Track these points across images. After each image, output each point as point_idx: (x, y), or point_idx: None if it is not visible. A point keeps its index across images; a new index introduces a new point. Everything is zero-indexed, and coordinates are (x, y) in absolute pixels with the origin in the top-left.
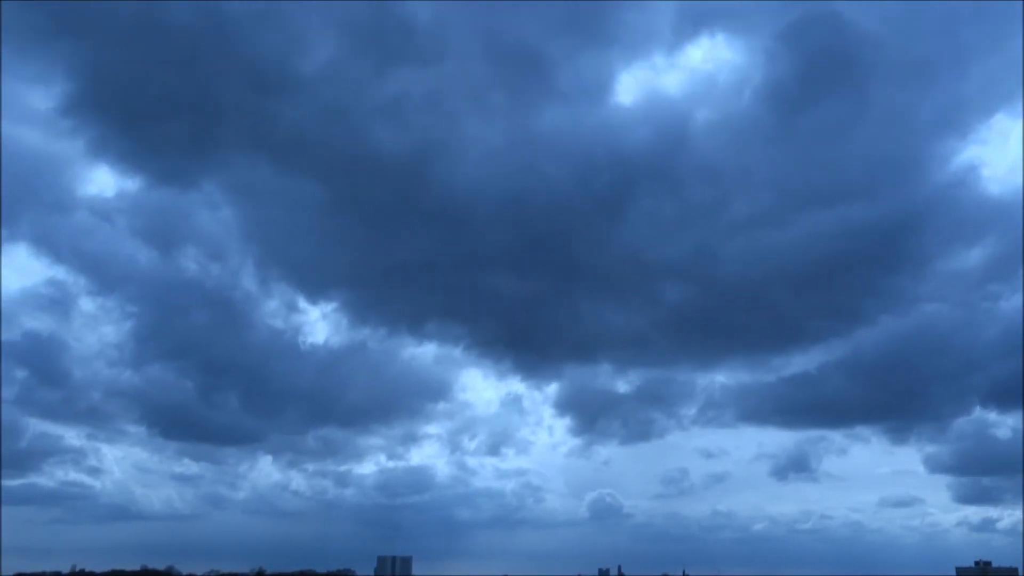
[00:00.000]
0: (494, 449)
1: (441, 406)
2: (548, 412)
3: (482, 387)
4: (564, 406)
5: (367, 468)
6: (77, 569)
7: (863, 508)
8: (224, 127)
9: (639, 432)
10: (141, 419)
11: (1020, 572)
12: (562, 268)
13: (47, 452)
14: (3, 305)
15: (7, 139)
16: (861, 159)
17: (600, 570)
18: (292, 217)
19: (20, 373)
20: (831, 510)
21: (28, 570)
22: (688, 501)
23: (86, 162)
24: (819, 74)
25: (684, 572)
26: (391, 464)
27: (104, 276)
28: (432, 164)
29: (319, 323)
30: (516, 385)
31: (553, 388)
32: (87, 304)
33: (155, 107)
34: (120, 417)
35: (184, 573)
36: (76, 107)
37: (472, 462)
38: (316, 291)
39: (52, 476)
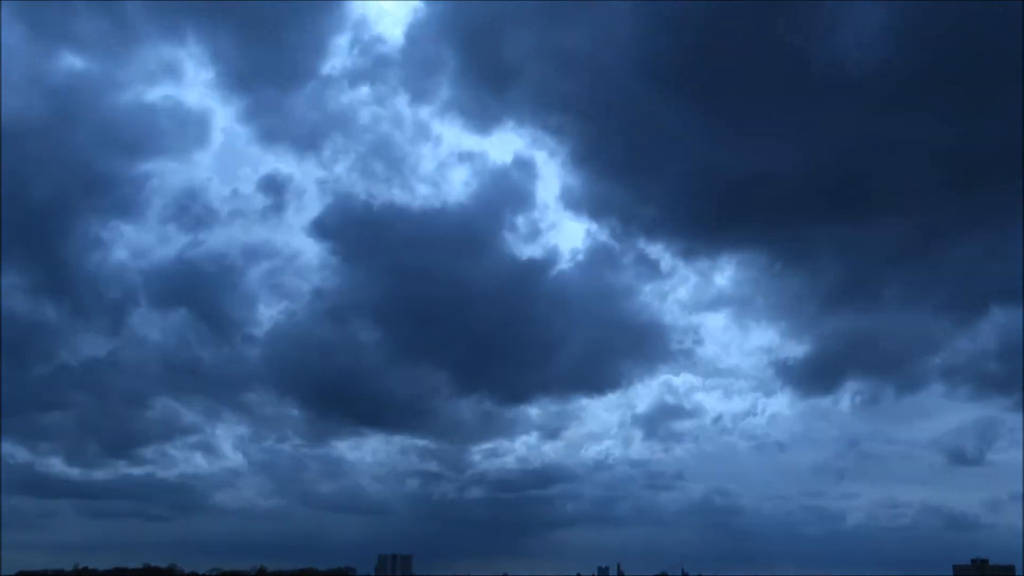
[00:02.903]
0: (666, 430)
1: (642, 369)
2: (780, 377)
3: (721, 340)
4: (807, 372)
5: (502, 454)
6: (80, 567)
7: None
8: None
9: (865, 409)
10: (294, 391)
11: (1017, 570)
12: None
13: (158, 435)
14: (190, 216)
15: None
16: None
17: (600, 568)
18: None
19: (173, 319)
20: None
21: (30, 567)
22: (811, 493)
23: None
24: None
25: (684, 571)
26: (536, 444)
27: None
28: None
29: (582, 248)
30: (769, 338)
31: (804, 350)
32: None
33: None
34: (268, 390)
35: (186, 571)
36: None
37: (624, 447)
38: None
39: (151, 464)
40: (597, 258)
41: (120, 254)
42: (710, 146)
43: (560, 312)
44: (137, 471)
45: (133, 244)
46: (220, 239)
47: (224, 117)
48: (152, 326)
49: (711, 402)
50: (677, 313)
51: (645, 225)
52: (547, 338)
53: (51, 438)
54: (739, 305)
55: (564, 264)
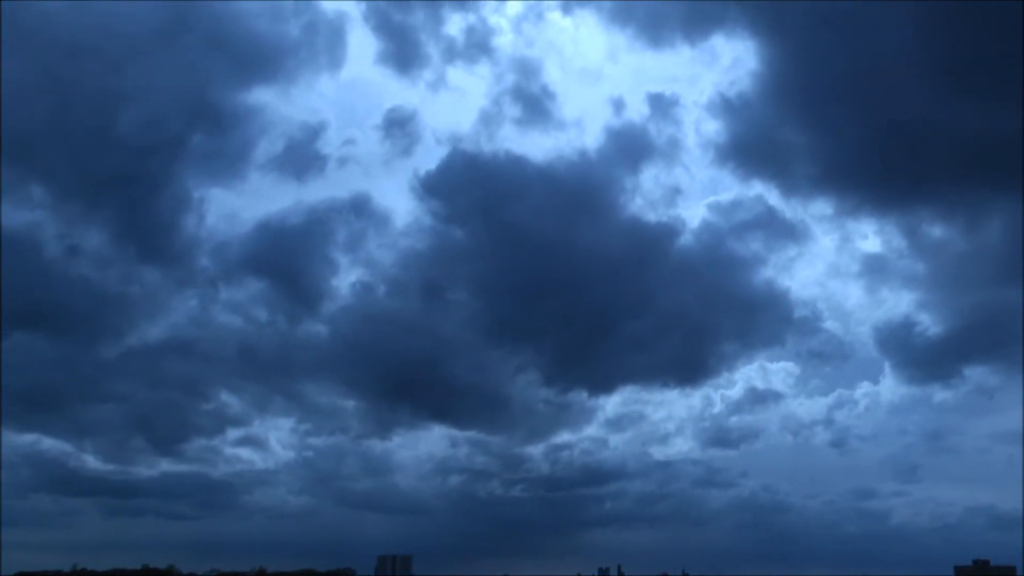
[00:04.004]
0: (745, 424)
1: (743, 354)
2: (894, 357)
3: (845, 316)
4: (929, 354)
5: (564, 449)
6: (78, 568)
7: None
8: None
9: (969, 399)
10: (361, 379)
11: (1019, 570)
12: None
13: (207, 429)
14: (295, 165)
15: None
16: None
17: (600, 569)
18: None
19: (253, 293)
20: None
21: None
22: (865, 492)
23: None
24: None
25: (684, 572)
26: (604, 439)
27: None
28: None
29: (720, 210)
30: (902, 314)
31: (936, 331)
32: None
33: None
34: (333, 378)
35: (185, 572)
36: None
37: (695, 442)
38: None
39: (193, 461)
40: (733, 223)
41: (211, 215)
42: (929, 90)
43: (679, 288)
44: (176, 468)
45: (226, 204)
46: (322, 192)
47: (358, 31)
48: (229, 304)
49: (805, 392)
50: (807, 286)
51: (799, 183)
52: (655, 320)
53: (95, 433)
54: (878, 275)
55: (695, 230)
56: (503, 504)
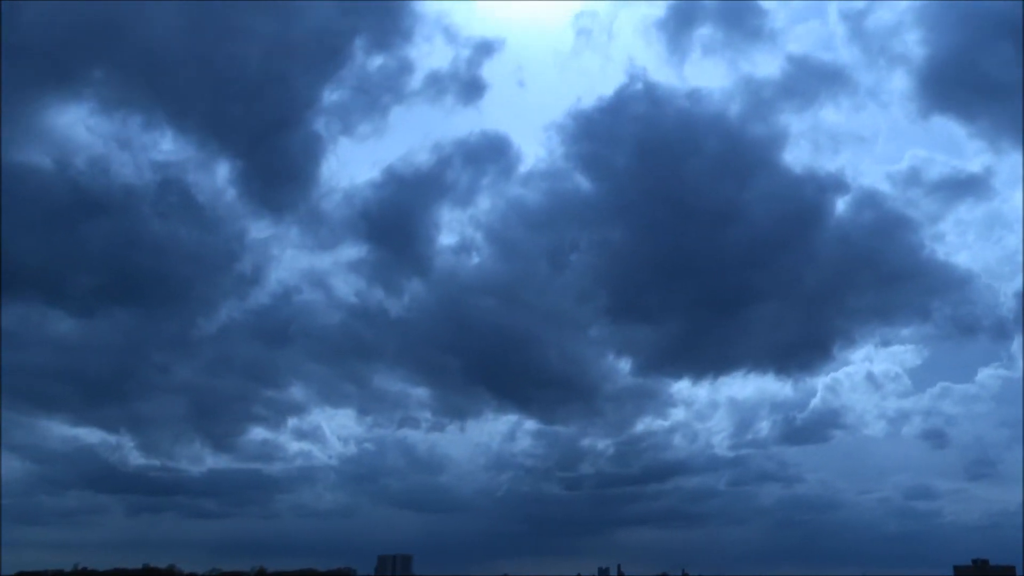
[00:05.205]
0: (839, 416)
1: (869, 336)
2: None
3: (996, 291)
4: None
5: (633, 443)
6: (80, 567)
7: None
8: None
9: None
10: (441, 363)
11: (1018, 570)
12: None
13: (264, 421)
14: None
15: None
16: None
17: (600, 569)
18: None
19: (353, 258)
20: None
21: (30, 568)
22: (921, 490)
23: None
24: None
25: (684, 572)
26: (680, 430)
27: None
28: None
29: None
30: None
31: None
32: None
33: None
34: (411, 361)
35: (186, 571)
36: None
37: (780, 434)
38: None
39: (238, 457)
40: (905, 181)
41: (339, 161)
42: None
43: (826, 262)
44: (221, 464)
45: (356, 150)
46: (464, 127)
47: None
48: (322, 275)
49: (920, 378)
50: (967, 249)
51: (1000, 125)
52: (790, 300)
53: (151, 427)
54: None
55: (860, 189)
56: (544, 502)
